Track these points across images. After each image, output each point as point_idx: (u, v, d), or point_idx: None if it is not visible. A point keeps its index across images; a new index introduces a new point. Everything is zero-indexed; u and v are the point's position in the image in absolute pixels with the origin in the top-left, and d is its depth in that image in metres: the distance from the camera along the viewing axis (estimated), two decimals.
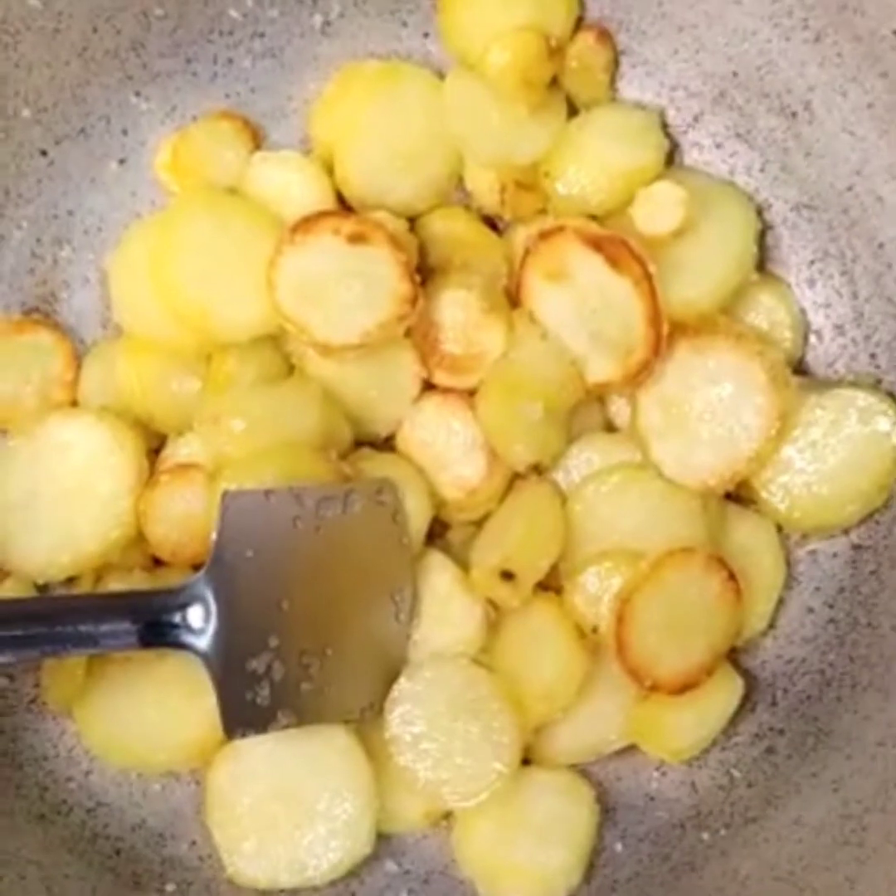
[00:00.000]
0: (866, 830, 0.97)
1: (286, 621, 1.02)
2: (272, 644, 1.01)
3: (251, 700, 1.00)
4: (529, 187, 1.13)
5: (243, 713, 1.00)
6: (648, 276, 1.04)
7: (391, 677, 1.06)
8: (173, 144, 1.15)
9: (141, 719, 1.07)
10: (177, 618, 1.00)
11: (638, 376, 1.07)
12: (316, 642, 1.03)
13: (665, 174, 1.11)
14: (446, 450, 1.11)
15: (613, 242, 1.05)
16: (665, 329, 1.05)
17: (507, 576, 1.06)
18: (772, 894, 0.99)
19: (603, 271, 1.05)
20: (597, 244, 1.05)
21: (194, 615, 1.00)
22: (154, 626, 0.99)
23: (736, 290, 1.10)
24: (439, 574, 1.10)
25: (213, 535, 1.00)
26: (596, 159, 1.10)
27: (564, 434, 1.11)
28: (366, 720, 1.06)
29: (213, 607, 1.00)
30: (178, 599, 1.00)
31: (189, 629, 1.00)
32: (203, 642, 1.00)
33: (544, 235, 1.08)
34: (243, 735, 1.01)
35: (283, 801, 1.05)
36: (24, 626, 0.96)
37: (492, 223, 1.16)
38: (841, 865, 0.96)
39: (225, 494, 1.01)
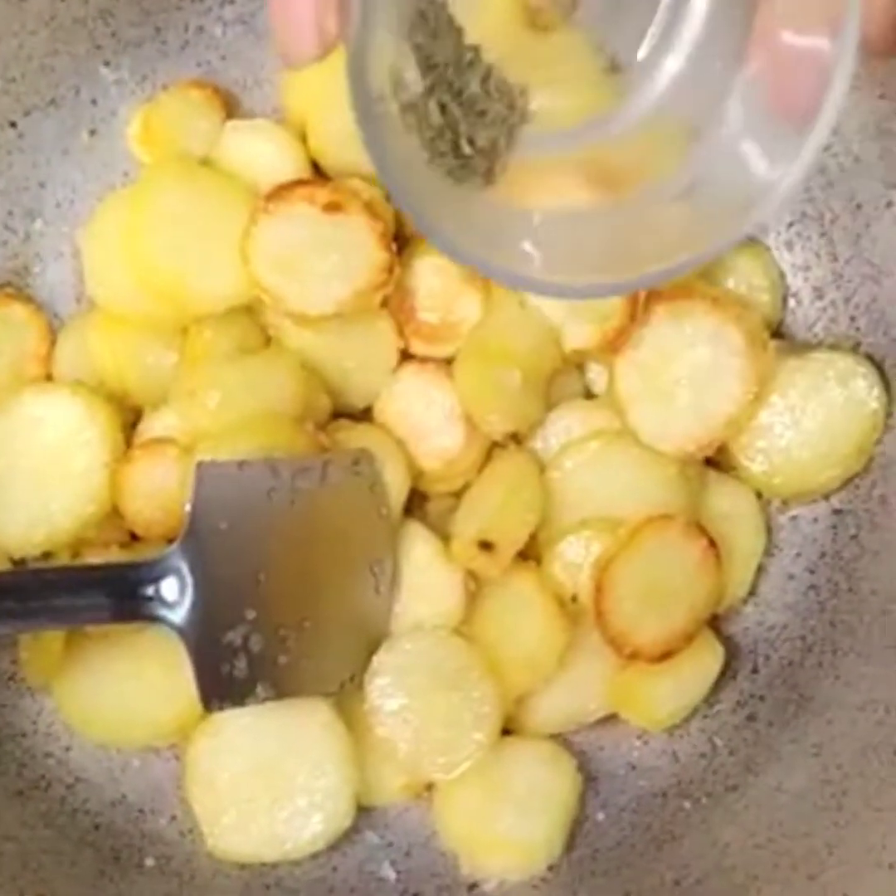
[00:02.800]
0: (846, 795, 0.96)
1: (263, 594, 1.01)
2: (249, 616, 1.00)
3: (228, 673, 1.00)
4: None
5: (220, 686, 1.00)
6: None
7: (372, 650, 1.05)
8: (144, 115, 1.14)
9: (119, 694, 1.06)
10: (151, 591, 0.99)
11: (615, 342, 1.06)
12: (294, 615, 1.03)
13: None
14: (424, 420, 1.10)
15: None
16: (642, 294, 1.04)
17: (486, 546, 1.05)
18: (751, 861, 0.98)
19: None
20: None
21: (168, 588, 0.99)
22: (128, 599, 0.99)
23: None
24: (419, 545, 1.09)
25: (187, 507, 1.00)
26: None
27: (542, 402, 1.10)
28: (346, 693, 1.06)
29: (189, 580, 0.99)
30: (152, 572, 0.99)
31: (163, 602, 0.99)
32: (178, 615, 0.99)
33: None
34: (220, 708, 1.01)
35: (263, 775, 1.05)
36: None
37: None
38: (820, 831, 0.96)
39: (199, 466, 1.00)
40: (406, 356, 1.11)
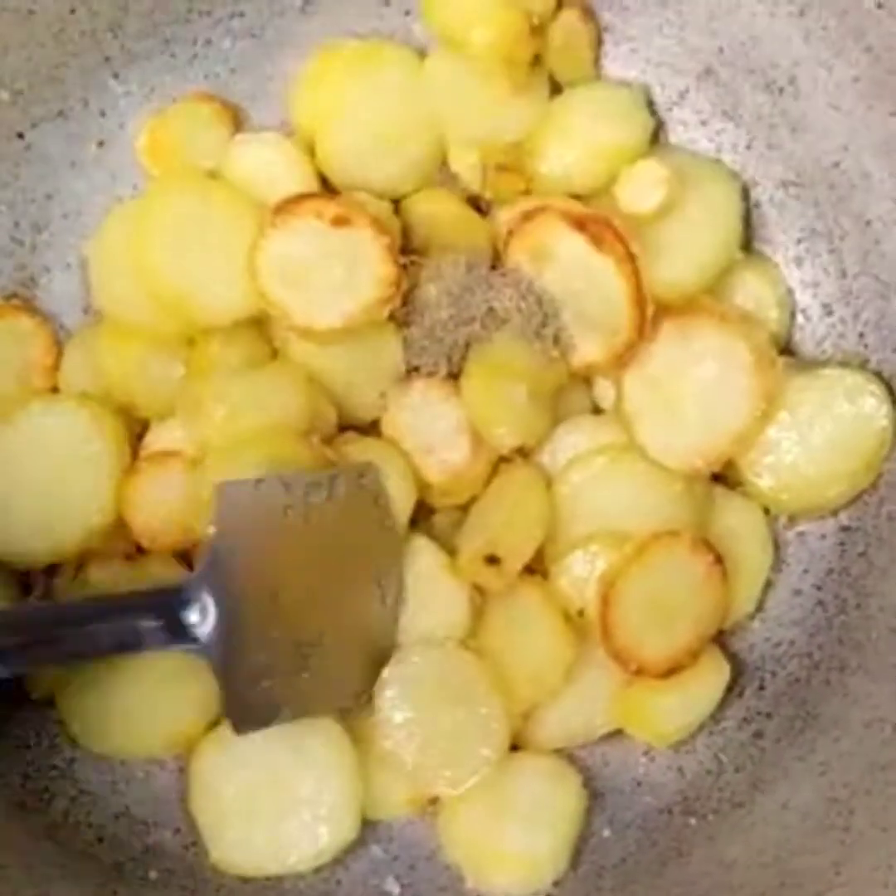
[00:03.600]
0: (853, 814, 0.96)
1: (282, 612, 1.01)
2: (272, 636, 1.00)
3: (255, 695, 0.99)
4: (512, 167, 1.11)
5: (249, 709, 0.99)
6: (632, 256, 1.03)
7: (381, 662, 1.05)
8: (151, 127, 1.14)
9: (123, 706, 1.06)
10: (184, 617, 0.98)
11: (623, 357, 1.06)
12: (311, 631, 1.02)
13: (650, 152, 1.09)
14: (431, 433, 1.10)
15: (596, 222, 1.04)
16: (650, 309, 1.04)
17: (493, 560, 1.05)
18: (757, 879, 0.98)
19: (586, 251, 1.04)
20: (580, 224, 1.04)
21: (194, 613, 0.98)
22: (165, 627, 0.98)
23: (722, 269, 1.09)
24: (425, 558, 1.09)
25: (211, 529, 0.99)
26: (580, 138, 1.09)
27: (549, 416, 1.09)
28: (359, 707, 1.05)
29: (212, 604, 0.99)
30: (180, 597, 0.99)
31: (189, 629, 0.98)
32: (204, 639, 0.98)
33: (527, 216, 1.07)
34: (251, 730, 1.00)
35: (268, 788, 1.04)
36: (35, 632, 0.95)
37: (476, 204, 1.14)
38: (827, 850, 0.95)
39: (218, 486, 0.99)
40: (413, 369, 1.11)
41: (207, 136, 1.14)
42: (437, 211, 1.12)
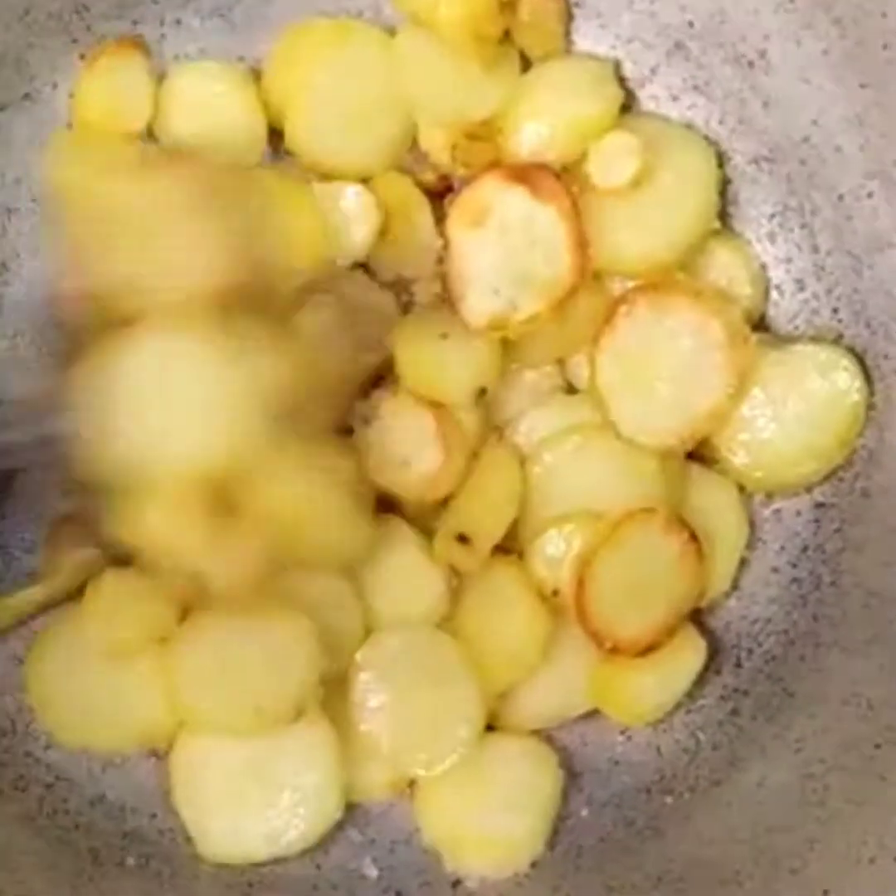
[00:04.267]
0: (828, 791, 0.96)
1: None
2: None
3: None
4: (482, 136, 1.10)
5: None
6: (571, 195, 1.03)
7: None
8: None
9: (96, 700, 1.05)
10: None
11: (564, 303, 1.05)
12: None
13: (621, 122, 1.08)
14: (403, 445, 1.07)
15: (537, 170, 1.04)
16: (590, 251, 1.04)
17: (464, 539, 1.04)
18: (733, 856, 0.98)
19: (527, 203, 1.04)
20: (520, 175, 1.04)
21: None
22: None
23: (699, 237, 1.08)
24: (401, 541, 1.08)
25: None
26: (549, 112, 1.07)
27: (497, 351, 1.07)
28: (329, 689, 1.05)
29: None
30: None
31: None
32: None
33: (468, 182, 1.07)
34: None
35: (249, 774, 1.04)
36: None
37: (448, 184, 1.13)
38: (801, 826, 0.95)
39: None
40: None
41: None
42: (389, 197, 1.10)
